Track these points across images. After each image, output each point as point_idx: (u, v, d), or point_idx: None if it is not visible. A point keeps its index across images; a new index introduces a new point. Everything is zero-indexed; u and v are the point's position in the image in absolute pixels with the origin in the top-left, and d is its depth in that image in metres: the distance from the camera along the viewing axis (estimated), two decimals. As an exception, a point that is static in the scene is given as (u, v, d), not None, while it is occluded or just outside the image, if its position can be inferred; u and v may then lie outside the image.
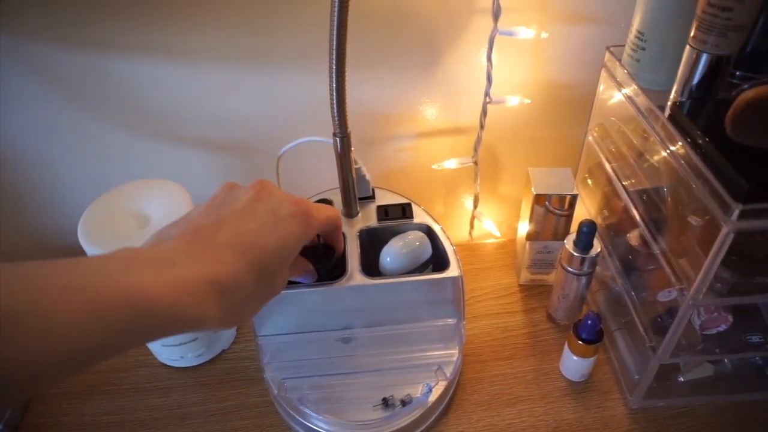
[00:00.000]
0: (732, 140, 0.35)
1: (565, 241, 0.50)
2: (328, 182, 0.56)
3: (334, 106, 0.45)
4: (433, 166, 0.63)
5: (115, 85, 0.57)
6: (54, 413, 0.52)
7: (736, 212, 0.33)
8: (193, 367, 0.54)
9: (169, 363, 0.54)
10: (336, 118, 0.45)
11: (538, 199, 0.52)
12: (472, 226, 0.69)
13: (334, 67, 0.42)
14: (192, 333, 0.51)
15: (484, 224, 0.66)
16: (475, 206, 0.66)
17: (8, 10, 0.50)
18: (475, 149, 0.62)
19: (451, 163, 0.62)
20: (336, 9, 0.39)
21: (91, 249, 0.43)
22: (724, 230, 0.34)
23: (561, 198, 0.52)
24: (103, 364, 0.54)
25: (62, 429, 0.50)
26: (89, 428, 0.50)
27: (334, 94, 0.44)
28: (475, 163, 0.63)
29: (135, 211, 0.46)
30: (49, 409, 0.52)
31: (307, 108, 0.59)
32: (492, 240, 0.68)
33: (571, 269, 0.50)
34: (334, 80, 0.43)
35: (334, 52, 0.42)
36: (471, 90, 0.60)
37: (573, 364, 0.49)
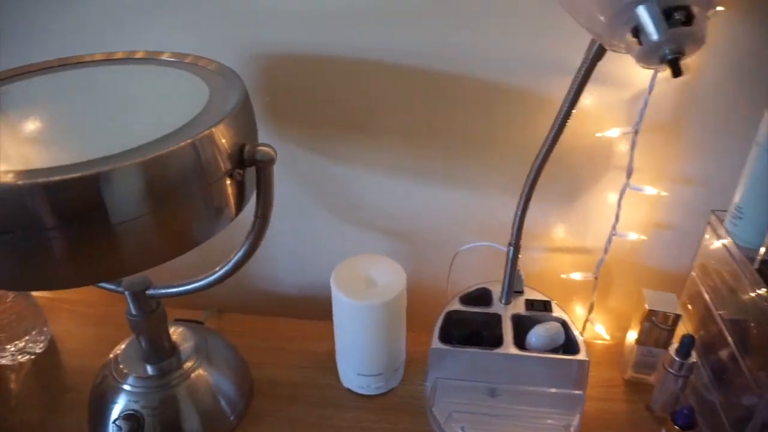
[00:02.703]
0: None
1: (669, 349, 0.66)
2: (488, 276, 0.76)
3: (516, 225, 0.65)
4: (562, 275, 0.82)
5: (339, 183, 0.81)
6: (270, 409, 0.71)
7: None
8: (370, 395, 0.73)
9: (353, 389, 0.73)
10: (514, 234, 0.66)
11: (649, 313, 0.69)
12: (584, 328, 0.86)
13: (522, 202, 0.64)
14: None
15: (595, 327, 0.83)
16: (590, 312, 0.84)
17: (280, 123, 0.76)
18: (597, 267, 0.80)
19: (577, 275, 0.81)
20: (536, 166, 0.61)
21: (338, 295, 0.65)
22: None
23: (667, 315, 0.69)
24: (302, 382, 0.74)
25: (276, 421, 0.70)
26: (296, 425, 0.69)
27: (518, 218, 0.65)
28: (596, 278, 0.81)
29: (366, 275, 0.67)
30: (266, 405, 0.72)
31: (476, 216, 0.80)
32: (600, 341, 0.84)
33: (671, 371, 0.66)
34: (520, 209, 0.64)
35: (525, 194, 0.63)
36: (598, 222, 0.79)
37: (669, 446, 0.64)
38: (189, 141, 0.44)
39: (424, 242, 0.84)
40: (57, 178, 0.39)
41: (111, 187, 0.41)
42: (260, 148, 0.50)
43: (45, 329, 0.82)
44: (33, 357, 0.80)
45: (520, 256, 0.71)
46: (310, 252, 0.89)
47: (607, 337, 0.83)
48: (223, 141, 0.47)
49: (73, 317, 0.88)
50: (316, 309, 0.89)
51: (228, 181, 0.49)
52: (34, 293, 0.82)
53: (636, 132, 0.69)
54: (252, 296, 0.95)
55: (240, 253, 0.56)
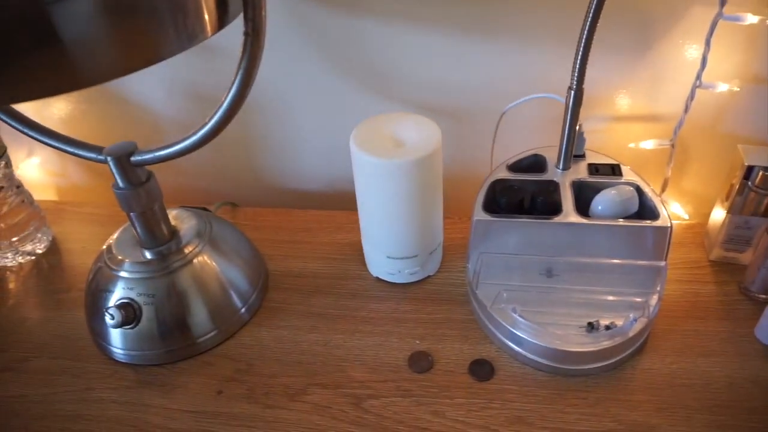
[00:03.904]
0: None
1: (776, 210, 0.52)
2: (540, 142, 0.63)
3: (578, 61, 0.52)
4: (630, 145, 0.68)
5: (359, 45, 0.68)
6: (287, 301, 0.62)
7: None
8: (403, 284, 0.62)
9: (383, 277, 0.62)
10: (576, 72, 0.53)
11: (747, 173, 0.56)
12: (656, 209, 0.72)
13: (583, 41, 0.50)
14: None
15: (670, 207, 0.70)
16: (664, 189, 0.70)
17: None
18: (675, 132, 0.66)
19: (648, 144, 0.67)
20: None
21: (358, 153, 0.53)
22: None
23: (770, 174, 0.55)
24: (326, 273, 0.64)
25: (295, 314, 0.61)
26: (317, 317, 0.60)
27: (582, 47, 0.51)
28: (672, 145, 0.67)
29: (393, 134, 0.56)
30: (283, 297, 0.63)
31: (523, 75, 0.67)
32: (678, 221, 0.70)
33: (779, 237, 0.52)
34: (585, 32, 0.50)
35: (586, 32, 0.49)
36: (675, 77, 0.64)
37: (774, 327, 0.51)
38: None
39: (461, 112, 0.71)
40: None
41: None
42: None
43: (45, 229, 0.75)
44: (34, 258, 0.73)
45: (580, 123, 0.58)
46: (331, 134, 0.77)
47: (686, 216, 0.69)
48: None
49: (78, 218, 0.80)
50: (343, 203, 0.79)
51: (199, -30, 0.37)
52: (39, 196, 0.75)
53: (736, -63, 0.53)
54: (270, 193, 0.85)
55: (233, 89, 0.44)
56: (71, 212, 0.81)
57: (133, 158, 0.52)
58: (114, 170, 0.53)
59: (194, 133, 0.49)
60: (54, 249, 0.75)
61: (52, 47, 0.33)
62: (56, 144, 0.57)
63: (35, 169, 0.90)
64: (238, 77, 0.44)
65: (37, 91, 0.34)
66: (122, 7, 0.34)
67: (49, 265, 0.72)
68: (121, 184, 0.54)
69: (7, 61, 0.32)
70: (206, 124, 0.48)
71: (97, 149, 0.55)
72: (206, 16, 0.39)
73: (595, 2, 0.49)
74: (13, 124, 0.56)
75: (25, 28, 0.32)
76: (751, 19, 0.56)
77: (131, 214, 0.56)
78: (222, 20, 0.41)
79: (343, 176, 0.80)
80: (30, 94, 0.34)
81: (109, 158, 0.52)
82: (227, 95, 0.45)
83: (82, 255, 0.73)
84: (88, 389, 0.55)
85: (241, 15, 0.42)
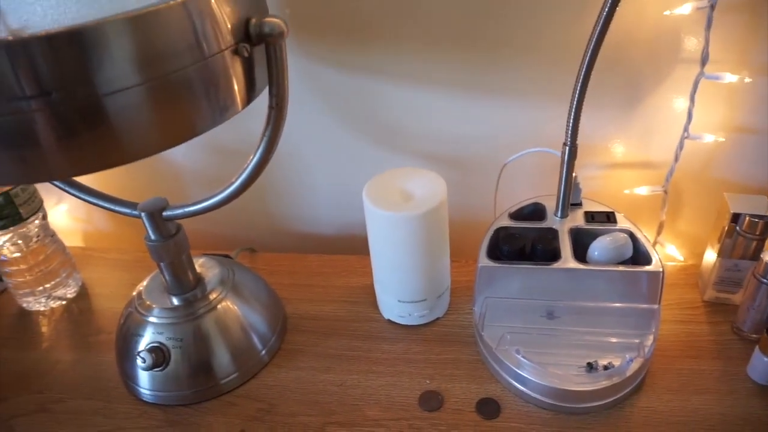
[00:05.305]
0: None
1: (762, 255, 0.56)
2: (540, 190, 0.68)
3: (571, 120, 0.57)
4: (625, 191, 0.72)
5: (369, 101, 0.73)
6: (305, 344, 0.66)
7: None
8: (414, 326, 0.66)
9: (395, 319, 0.66)
10: (569, 130, 0.57)
11: (734, 219, 0.59)
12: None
13: (576, 98, 0.55)
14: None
15: (666, 249, 0.73)
16: (659, 233, 0.74)
17: (305, 38, 0.69)
18: (667, 179, 0.70)
19: (643, 190, 0.71)
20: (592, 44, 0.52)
21: (370, 207, 0.58)
22: None
23: (757, 221, 0.59)
24: (340, 316, 0.68)
25: (312, 355, 0.64)
26: (334, 358, 0.64)
27: (572, 115, 0.56)
28: (665, 191, 0.71)
29: (402, 188, 0.60)
30: (301, 340, 0.66)
31: (522, 131, 0.72)
32: (673, 263, 0.74)
33: (765, 280, 0.56)
34: (576, 94, 0.55)
35: (579, 87, 0.54)
36: (665, 129, 0.69)
37: (764, 366, 0.54)
38: (179, 1, 0.38)
39: (466, 163, 0.76)
40: (32, 35, 0.33)
41: (92, 46, 0.35)
42: (268, 19, 0.43)
43: (75, 274, 0.79)
44: (64, 302, 0.77)
45: (575, 174, 0.62)
46: (343, 184, 0.82)
47: (681, 258, 0.73)
48: (222, 10, 0.41)
49: (105, 264, 0.85)
50: (355, 247, 0.83)
51: (230, 59, 0.42)
52: (66, 242, 0.80)
53: (712, 6, 0.59)
54: (286, 238, 0.89)
55: (257, 154, 0.50)
56: (98, 258, 0.86)
57: (164, 213, 0.57)
58: (147, 224, 0.58)
59: (220, 192, 0.54)
60: (83, 294, 0.79)
61: (107, 130, 0.38)
62: (92, 200, 0.62)
63: (63, 215, 0.95)
64: (262, 145, 0.49)
65: (93, 166, 0.39)
66: (166, 95, 0.39)
67: (79, 310, 0.76)
68: (153, 237, 0.58)
69: (71, 142, 0.37)
70: (232, 183, 0.53)
71: (131, 205, 0.60)
72: (237, 96, 0.44)
73: (586, 63, 0.54)
74: (55, 182, 0.61)
75: (85, 114, 0.37)
76: (730, 77, 0.61)
77: (161, 263, 0.60)
78: (250, 96, 0.46)
79: (355, 221, 0.84)
80: (88, 168, 0.39)
81: (143, 214, 0.57)
82: (252, 160, 0.50)
83: (109, 299, 0.77)
84: (119, 429, 0.58)
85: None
